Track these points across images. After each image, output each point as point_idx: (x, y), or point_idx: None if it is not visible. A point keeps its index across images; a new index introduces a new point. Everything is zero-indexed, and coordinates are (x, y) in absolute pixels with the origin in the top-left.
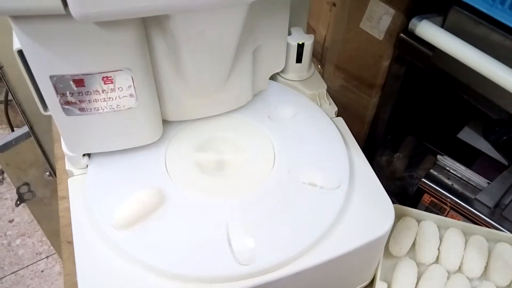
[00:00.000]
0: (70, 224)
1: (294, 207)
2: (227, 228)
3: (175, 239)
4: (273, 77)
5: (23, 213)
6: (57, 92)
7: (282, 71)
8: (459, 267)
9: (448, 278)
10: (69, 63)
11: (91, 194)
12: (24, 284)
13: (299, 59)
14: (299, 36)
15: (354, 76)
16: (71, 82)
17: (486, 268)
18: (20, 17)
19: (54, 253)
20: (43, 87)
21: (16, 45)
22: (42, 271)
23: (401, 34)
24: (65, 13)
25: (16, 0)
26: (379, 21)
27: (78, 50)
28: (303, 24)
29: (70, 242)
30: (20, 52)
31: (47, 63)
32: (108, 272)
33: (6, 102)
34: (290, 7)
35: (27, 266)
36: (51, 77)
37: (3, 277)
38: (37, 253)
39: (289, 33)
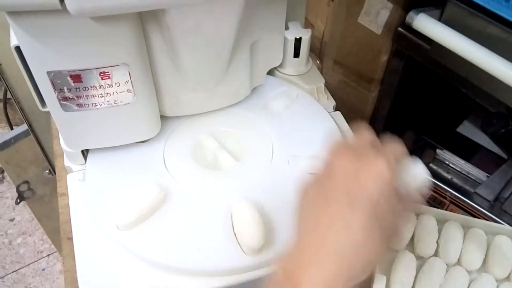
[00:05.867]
0: (70, 221)
1: (295, 198)
2: (231, 221)
3: (179, 234)
4: (271, 72)
5: (24, 212)
6: (54, 88)
7: (279, 66)
8: (458, 260)
9: (447, 271)
10: (66, 58)
11: (91, 191)
12: (26, 283)
13: (296, 54)
14: (297, 31)
15: (353, 71)
16: (69, 78)
17: (485, 260)
18: (17, 13)
19: (55, 252)
20: (40, 83)
21: (14, 41)
22: (43, 270)
23: (399, 28)
24: (61, 8)
25: None
26: (377, 15)
27: (75, 45)
28: (300, 18)
29: (70, 239)
30: (18, 49)
31: (44, 59)
32: (108, 268)
33: (5, 101)
34: (287, 1)
35: (28, 265)
36: (48, 73)
37: (4, 276)
38: (38, 252)
39: (287, 28)
